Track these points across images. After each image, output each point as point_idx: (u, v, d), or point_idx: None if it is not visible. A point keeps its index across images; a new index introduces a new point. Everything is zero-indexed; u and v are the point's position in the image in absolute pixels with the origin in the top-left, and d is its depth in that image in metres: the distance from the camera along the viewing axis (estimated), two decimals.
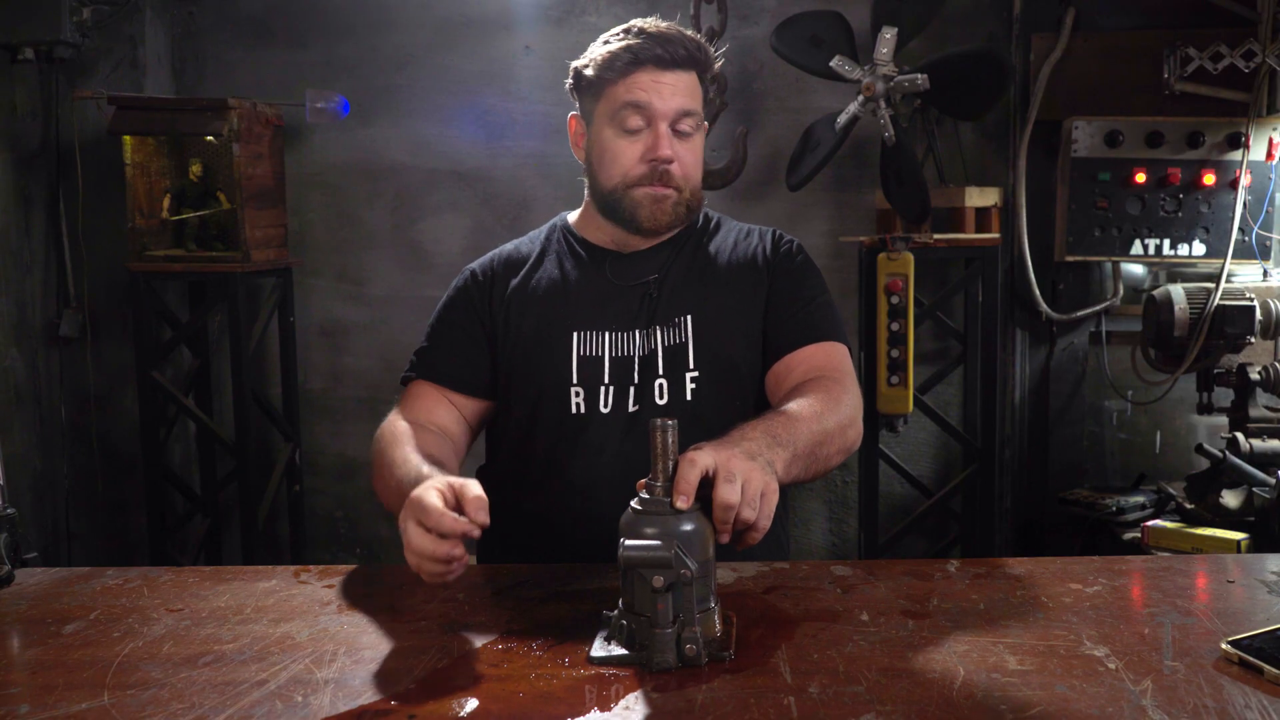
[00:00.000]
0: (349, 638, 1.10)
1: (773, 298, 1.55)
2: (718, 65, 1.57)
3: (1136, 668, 0.97)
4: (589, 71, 1.52)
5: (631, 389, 1.49)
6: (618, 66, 1.49)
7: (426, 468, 1.27)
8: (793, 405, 1.31)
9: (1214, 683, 0.94)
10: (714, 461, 1.05)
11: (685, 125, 1.50)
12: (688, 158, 1.52)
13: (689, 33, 1.53)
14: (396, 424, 1.45)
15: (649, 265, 1.56)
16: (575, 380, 1.49)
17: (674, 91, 1.48)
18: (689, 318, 1.51)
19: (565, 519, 1.48)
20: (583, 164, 1.59)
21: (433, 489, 1.13)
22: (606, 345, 1.50)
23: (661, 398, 1.48)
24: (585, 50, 1.56)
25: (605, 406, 1.48)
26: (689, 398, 1.48)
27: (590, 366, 1.50)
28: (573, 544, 1.44)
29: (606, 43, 1.52)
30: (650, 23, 1.51)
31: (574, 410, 1.49)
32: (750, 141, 2.88)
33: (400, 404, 1.54)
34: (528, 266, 1.60)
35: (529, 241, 1.65)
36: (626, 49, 1.48)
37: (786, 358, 1.50)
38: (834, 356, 1.50)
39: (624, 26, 1.52)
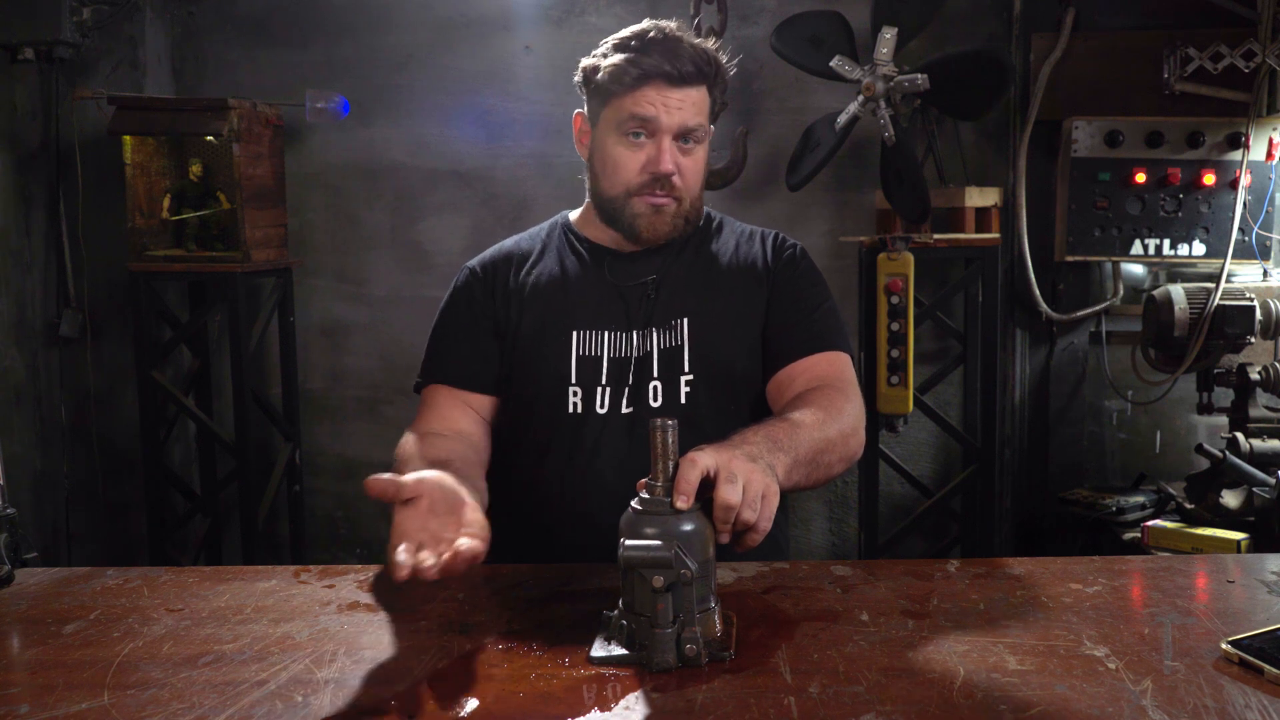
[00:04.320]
0: (349, 638, 1.10)
1: (775, 305, 1.54)
2: (731, 73, 1.54)
3: (1136, 668, 0.97)
4: (599, 78, 1.50)
5: (626, 390, 1.48)
6: (626, 81, 1.47)
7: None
8: (795, 413, 1.31)
9: (1214, 683, 0.94)
10: (715, 462, 1.05)
11: (689, 139, 1.49)
12: (690, 169, 1.51)
13: (700, 43, 1.50)
14: (405, 442, 1.44)
15: (648, 265, 1.55)
16: (574, 379, 1.49)
17: (680, 107, 1.47)
18: (686, 320, 1.50)
19: (558, 517, 1.48)
20: (585, 162, 1.58)
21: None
22: (605, 345, 1.50)
23: (655, 400, 1.47)
24: (593, 47, 1.53)
25: (601, 407, 1.48)
26: (683, 401, 1.47)
27: (588, 366, 1.49)
28: (565, 542, 1.45)
29: (618, 48, 1.49)
30: (662, 31, 1.47)
31: (571, 409, 1.49)
32: (750, 141, 2.88)
33: (417, 415, 1.54)
34: (529, 263, 1.59)
35: (529, 238, 1.64)
36: (635, 64, 1.46)
37: (789, 367, 1.49)
38: (837, 366, 1.49)
39: (636, 31, 1.48)
